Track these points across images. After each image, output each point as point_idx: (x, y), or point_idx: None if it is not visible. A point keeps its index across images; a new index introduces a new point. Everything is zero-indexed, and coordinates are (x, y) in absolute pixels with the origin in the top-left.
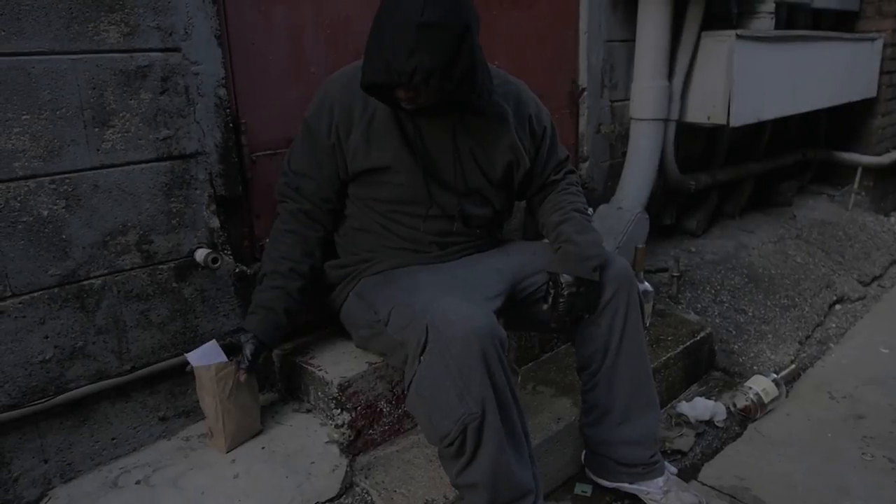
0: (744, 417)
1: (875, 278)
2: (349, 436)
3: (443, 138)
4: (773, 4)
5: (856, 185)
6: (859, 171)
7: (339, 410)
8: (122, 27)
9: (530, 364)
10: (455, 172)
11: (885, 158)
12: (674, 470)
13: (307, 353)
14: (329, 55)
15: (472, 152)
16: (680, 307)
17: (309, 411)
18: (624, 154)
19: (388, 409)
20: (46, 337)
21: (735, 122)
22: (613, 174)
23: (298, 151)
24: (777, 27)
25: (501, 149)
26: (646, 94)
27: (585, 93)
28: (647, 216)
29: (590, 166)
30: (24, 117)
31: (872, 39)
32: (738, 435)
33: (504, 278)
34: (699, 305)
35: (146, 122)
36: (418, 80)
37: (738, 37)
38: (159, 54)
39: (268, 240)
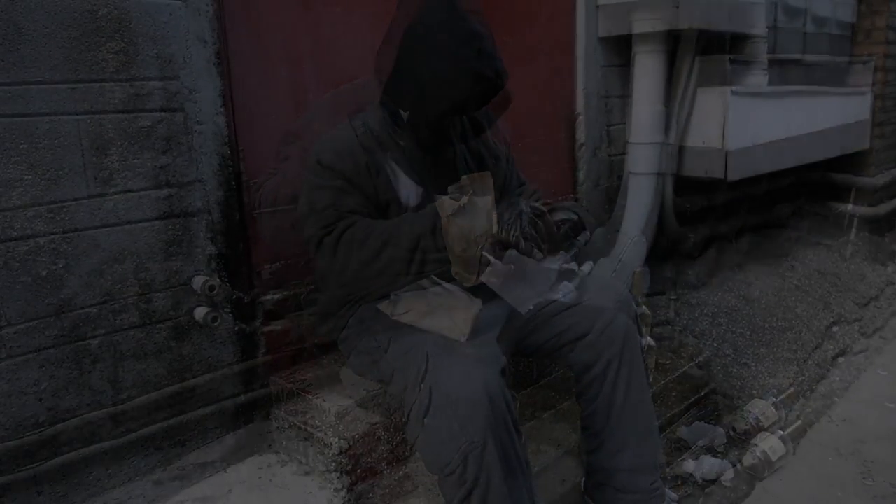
0: (744, 441)
1: (876, 330)
2: (347, 464)
3: (449, 169)
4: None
5: (852, 236)
6: (853, 191)
7: (336, 438)
8: (121, 56)
9: (529, 389)
10: None
11: (879, 179)
12: (675, 496)
13: (305, 380)
14: (326, 82)
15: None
16: (678, 330)
17: (306, 439)
18: (620, 178)
19: (386, 436)
20: (41, 367)
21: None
22: (610, 199)
23: (333, 199)
24: (770, 52)
25: (490, 166)
26: (643, 119)
27: (581, 117)
28: (645, 239)
29: (587, 190)
30: (21, 146)
31: (863, 93)
32: (740, 459)
33: (503, 302)
34: (697, 328)
35: (144, 149)
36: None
37: (734, 93)
38: (158, 82)
39: (342, 253)
